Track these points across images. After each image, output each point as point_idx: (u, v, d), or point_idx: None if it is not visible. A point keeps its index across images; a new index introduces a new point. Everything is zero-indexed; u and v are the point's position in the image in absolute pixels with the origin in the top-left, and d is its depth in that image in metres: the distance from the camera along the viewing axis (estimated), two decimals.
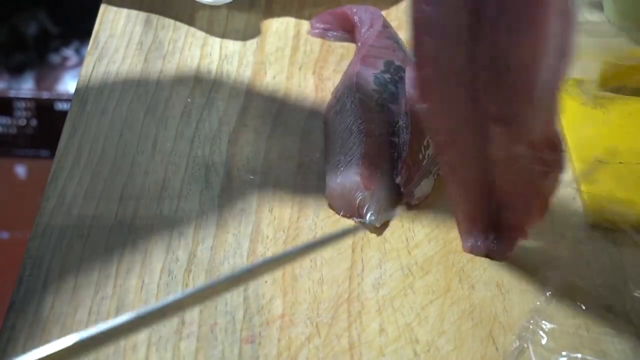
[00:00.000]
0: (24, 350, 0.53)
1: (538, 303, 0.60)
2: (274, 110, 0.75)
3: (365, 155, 0.66)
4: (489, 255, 0.63)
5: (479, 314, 0.60)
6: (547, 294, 0.61)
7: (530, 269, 0.62)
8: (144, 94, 0.76)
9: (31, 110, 1.86)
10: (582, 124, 0.73)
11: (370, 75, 0.73)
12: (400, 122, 0.70)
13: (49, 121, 1.86)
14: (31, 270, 0.62)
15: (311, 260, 0.63)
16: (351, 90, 0.72)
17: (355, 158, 0.66)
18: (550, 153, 0.54)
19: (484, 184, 0.59)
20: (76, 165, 0.69)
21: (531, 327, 0.58)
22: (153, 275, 0.61)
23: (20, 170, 1.88)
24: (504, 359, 0.56)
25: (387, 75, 0.74)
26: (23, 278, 0.61)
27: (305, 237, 0.65)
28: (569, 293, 0.60)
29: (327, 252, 0.63)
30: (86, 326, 0.57)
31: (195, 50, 0.82)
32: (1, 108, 1.86)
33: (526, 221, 0.60)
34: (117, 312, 0.58)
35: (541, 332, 0.58)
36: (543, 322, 0.59)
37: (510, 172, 0.56)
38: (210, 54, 0.81)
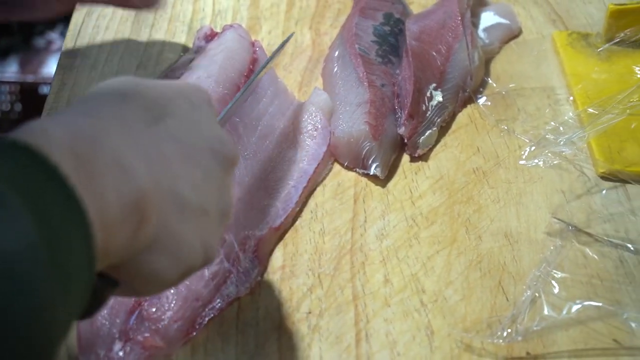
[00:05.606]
0: None
1: (548, 253, 0.58)
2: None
3: (372, 103, 0.63)
4: None
5: (487, 264, 0.57)
6: (558, 243, 0.58)
7: (538, 220, 0.60)
8: (136, 49, 0.73)
9: (15, 94, 1.82)
10: (587, 76, 0.71)
11: (369, 26, 0.71)
12: (402, 74, 0.67)
13: (33, 105, 1.81)
14: None
15: (311, 212, 0.60)
16: (351, 41, 0.69)
17: (361, 108, 0.64)
18: None
19: None
20: None
21: (542, 276, 0.56)
22: None
23: None
24: (515, 308, 0.54)
25: (386, 28, 0.71)
26: None
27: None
28: (580, 243, 0.58)
29: (328, 204, 0.61)
30: None
31: (188, 5, 0.79)
32: None
33: None
34: None
35: (553, 282, 0.56)
36: (554, 271, 0.56)
37: None
38: (203, 9, 0.78)
